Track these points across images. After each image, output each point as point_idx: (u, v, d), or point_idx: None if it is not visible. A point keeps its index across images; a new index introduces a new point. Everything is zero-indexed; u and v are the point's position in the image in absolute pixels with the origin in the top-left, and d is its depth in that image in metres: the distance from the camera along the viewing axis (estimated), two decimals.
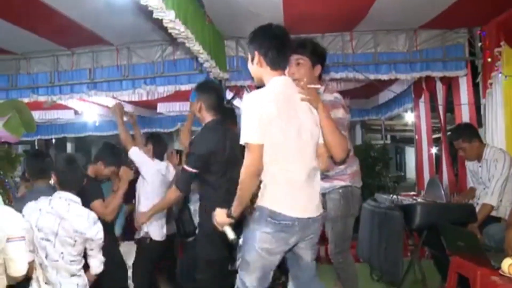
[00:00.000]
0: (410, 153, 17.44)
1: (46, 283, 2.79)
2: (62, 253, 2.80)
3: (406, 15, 4.90)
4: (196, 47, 4.02)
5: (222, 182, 3.37)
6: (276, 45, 2.57)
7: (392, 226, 3.93)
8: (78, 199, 2.94)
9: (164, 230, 4.28)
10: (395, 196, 4.36)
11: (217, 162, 3.35)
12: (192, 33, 3.77)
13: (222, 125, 3.52)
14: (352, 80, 6.06)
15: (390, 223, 3.98)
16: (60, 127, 10.31)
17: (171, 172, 4.38)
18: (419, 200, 4.33)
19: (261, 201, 2.48)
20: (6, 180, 4.87)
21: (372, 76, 5.51)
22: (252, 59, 2.62)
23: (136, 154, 4.14)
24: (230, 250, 3.54)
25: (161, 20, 3.46)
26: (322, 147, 2.67)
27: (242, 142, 2.43)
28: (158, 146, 4.43)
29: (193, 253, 3.53)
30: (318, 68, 3.16)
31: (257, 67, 2.60)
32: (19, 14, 4.49)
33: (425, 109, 7.13)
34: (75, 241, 2.83)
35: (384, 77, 5.53)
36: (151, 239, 4.13)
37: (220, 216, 2.54)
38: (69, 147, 14.11)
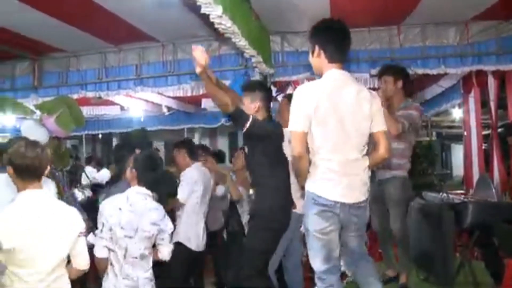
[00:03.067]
0: (456, 151, 16.89)
1: (123, 278, 2.88)
2: (141, 248, 2.91)
3: (457, 7, 4.73)
4: (242, 42, 4.01)
5: (278, 171, 3.41)
6: (335, 39, 2.75)
7: (442, 225, 3.83)
8: (150, 193, 3.05)
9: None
10: (444, 194, 4.24)
11: (273, 147, 3.41)
12: (238, 29, 3.76)
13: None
14: None
15: (440, 222, 3.88)
16: (107, 122, 10.56)
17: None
18: (469, 198, 4.19)
19: (307, 187, 2.75)
20: (57, 173, 5.03)
21: (420, 71, 5.33)
22: (313, 52, 2.80)
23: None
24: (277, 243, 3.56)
25: (207, 15, 3.46)
26: (383, 134, 2.81)
27: (288, 129, 2.71)
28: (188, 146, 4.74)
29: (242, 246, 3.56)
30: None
31: (317, 59, 2.78)
32: (70, 13, 4.61)
33: (475, 105, 6.89)
34: (152, 234, 2.95)
35: (433, 71, 5.34)
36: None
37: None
38: (115, 142, 14.44)
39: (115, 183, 4.02)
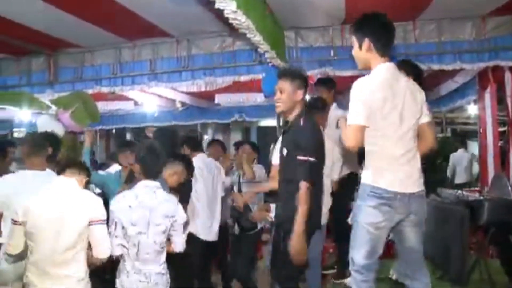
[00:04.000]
0: (471, 147, 16.73)
1: (135, 272, 2.89)
2: (155, 242, 2.90)
3: (473, 1, 4.67)
4: (256, 37, 4.01)
5: (318, 177, 3.20)
6: (386, 32, 2.75)
7: (458, 223, 3.80)
8: (159, 184, 3.02)
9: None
10: (459, 192, 4.20)
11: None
12: (253, 24, 3.75)
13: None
14: None
15: (455, 219, 3.85)
16: (121, 117, 10.60)
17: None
18: (485, 196, 4.15)
19: (363, 179, 2.73)
20: None
21: (435, 67, 5.28)
22: (361, 45, 2.74)
23: None
24: None
25: (221, 11, 3.45)
26: (430, 125, 2.84)
27: (348, 123, 2.66)
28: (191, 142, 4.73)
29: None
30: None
31: (365, 53, 2.74)
32: (85, 8, 4.64)
33: (491, 101, 6.76)
34: (166, 226, 2.94)
35: (449, 67, 5.28)
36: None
37: None
38: (129, 137, 14.53)
39: None
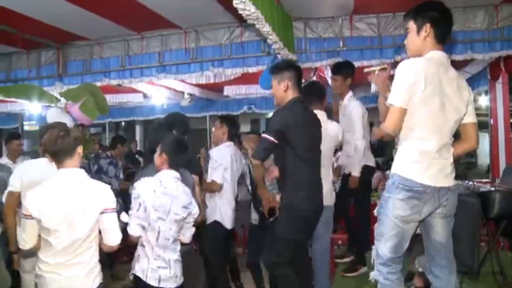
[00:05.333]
0: (482, 139, 16.59)
1: (155, 259, 2.97)
2: (171, 229, 2.99)
3: None
4: (265, 28, 3.97)
5: (309, 159, 3.37)
6: (447, 22, 2.69)
7: (468, 214, 3.73)
8: (180, 176, 3.13)
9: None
10: (470, 183, 4.15)
11: (298, 136, 3.32)
12: (261, 14, 3.73)
13: (302, 104, 3.51)
14: None
15: (465, 211, 3.78)
16: (129, 110, 10.64)
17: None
18: (496, 187, 4.10)
19: (394, 169, 2.66)
20: (82, 160, 5.10)
21: None
22: (419, 30, 2.66)
23: None
24: (312, 231, 3.54)
25: (230, 1, 3.44)
26: (475, 126, 2.78)
27: (387, 103, 2.59)
28: (233, 128, 4.63)
29: (272, 235, 3.54)
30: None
31: (422, 39, 2.66)
32: (93, 1, 4.65)
33: (502, 92, 6.70)
34: (183, 217, 3.04)
35: (459, 57, 5.19)
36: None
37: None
38: (138, 130, 14.59)
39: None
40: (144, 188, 2.98)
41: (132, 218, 2.96)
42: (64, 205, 2.55)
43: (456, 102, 2.64)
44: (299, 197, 3.35)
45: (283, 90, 3.43)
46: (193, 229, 3.22)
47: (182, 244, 3.20)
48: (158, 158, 3.13)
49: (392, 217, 2.61)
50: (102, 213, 2.63)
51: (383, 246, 2.68)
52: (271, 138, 3.28)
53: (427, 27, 2.63)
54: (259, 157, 3.39)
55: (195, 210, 3.14)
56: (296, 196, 3.35)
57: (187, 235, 3.19)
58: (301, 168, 3.34)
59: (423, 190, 2.56)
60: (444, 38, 2.68)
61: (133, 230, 2.97)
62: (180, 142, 3.23)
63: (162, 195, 2.97)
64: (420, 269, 3.43)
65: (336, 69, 4.82)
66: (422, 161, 2.58)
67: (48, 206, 2.53)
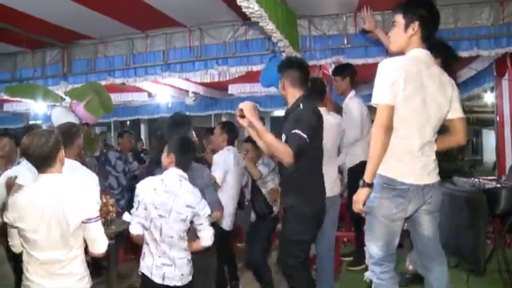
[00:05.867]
0: (488, 136, 16.54)
1: (159, 256, 2.97)
2: (175, 229, 2.96)
3: None
4: (269, 26, 3.97)
5: (320, 161, 3.35)
6: (434, 21, 2.67)
7: (475, 211, 3.72)
8: (186, 175, 3.09)
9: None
10: (476, 180, 4.13)
11: (316, 136, 3.25)
12: (266, 12, 3.72)
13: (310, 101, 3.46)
14: None
15: (472, 208, 3.77)
16: (134, 109, 10.68)
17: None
18: (502, 184, 4.08)
19: (379, 169, 2.61)
20: (87, 159, 5.12)
21: None
22: (406, 27, 2.63)
23: None
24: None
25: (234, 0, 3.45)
26: (462, 121, 2.78)
27: (372, 102, 2.57)
28: (232, 134, 4.62)
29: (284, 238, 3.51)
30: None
31: (409, 36, 2.63)
32: (98, 0, 4.65)
33: (508, 88, 6.66)
34: (187, 216, 2.98)
35: (465, 54, 5.15)
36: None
37: (358, 195, 2.64)
38: (143, 128, 14.62)
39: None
40: (144, 187, 3.00)
41: (133, 217, 2.98)
42: (43, 213, 2.39)
43: (439, 99, 2.62)
44: (306, 197, 3.31)
45: (282, 89, 3.40)
46: (211, 230, 3.15)
47: (205, 249, 3.17)
48: (166, 158, 3.13)
49: (379, 216, 2.62)
50: (86, 222, 2.48)
51: (374, 246, 2.68)
52: (305, 136, 3.07)
53: (415, 25, 2.60)
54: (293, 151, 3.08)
55: (204, 210, 3.05)
56: (303, 197, 3.32)
57: (205, 236, 3.12)
58: (308, 168, 3.31)
59: (407, 188, 2.57)
60: (429, 38, 2.67)
61: (134, 229, 2.99)
62: (187, 141, 3.20)
63: (163, 193, 2.96)
64: (411, 267, 3.42)
65: (336, 70, 4.92)
66: (405, 160, 2.58)
67: (26, 215, 2.39)
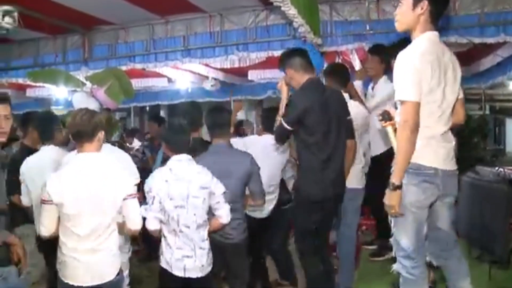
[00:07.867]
0: (511, 125, 16.18)
1: (177, 248, 2.93)
2: (194, 214, 2.92)
3: None
4: (291, 11, 3.91)
5: (323, 146, 3.29)
6: (445, 2, 2.65)
7: (498, 201, 3.67)
8: (191, 157, 3.04)
9: None
10: (501, 169, 4.06)
11: (315, 121, 3.25)
12: None
13: (320, 84, 3.47)
14: (454, 45, 5.58)
15: (495, 197, 3.72)
16: (154, 94, 10.67)
17: None
18: None
19: None
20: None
21: (477, 40, 5.02)
22: (415, 6, 2.54)
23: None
24: (330, 218, 3.51)
25: None
26: (462, 102, 2.75)
27: (396, 99, 2.52)
28: None
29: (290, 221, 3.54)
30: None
31: (417, 15, 2.56)
32: None
33: None
34: (204, 198, 2.95)
35: (491, 40, 4.99)
36: None
37: (390, 199, 2.55)
38: (162, 114, 14.66)
39: None
40: (154, 181, 2.94)
41: (149, 212, 2.92)
42: (85, 190, 2.51)
43: (453, 84, 2.61)
44: (306, 182, 3.34)
45: (289, 80, 3.46)
46: (228, 206, 3.06)
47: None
48: (165, 149, 3.13)
49: (407, 204, 2.56)
50: (124, 199, 2.59)
51: (403, 237, 2.62)
52: (287, 127, 3.29)
53: (424, 4, 2.52)
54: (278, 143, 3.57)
55: (218, 188, 2.99)
56: (304, 181, 3.35)
57: (223, 214, 3.05)
58: (312, 152, 3.30)
59: (433, 172, 2.55)
60: (439, 18, 2.61)
61: (151, 224, 2.94)
62: (172, 126, 3.18)
63: (175, 182, 2.91)
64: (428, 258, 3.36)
65: (375, 49, 4.75)
66: (431, 145, 2.55)
67: (69, 192, 2.50)
